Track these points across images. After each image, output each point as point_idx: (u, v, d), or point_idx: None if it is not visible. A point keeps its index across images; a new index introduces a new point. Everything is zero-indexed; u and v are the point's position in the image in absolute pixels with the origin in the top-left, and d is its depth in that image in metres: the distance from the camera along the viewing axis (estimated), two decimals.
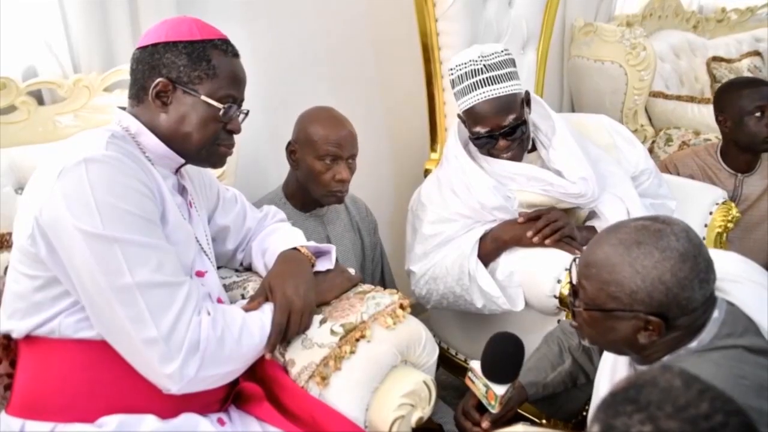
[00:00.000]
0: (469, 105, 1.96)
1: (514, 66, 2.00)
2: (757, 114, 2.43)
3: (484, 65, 1.94)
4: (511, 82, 1.95)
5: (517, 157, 2.03)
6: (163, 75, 1.35)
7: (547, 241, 1.92)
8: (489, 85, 1.93)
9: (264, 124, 2.30)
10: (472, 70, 1.94)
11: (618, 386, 0.86)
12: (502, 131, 1.96)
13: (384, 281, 2.39)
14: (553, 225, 1.94)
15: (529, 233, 1.93)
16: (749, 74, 3.87)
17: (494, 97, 1.93)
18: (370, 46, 2.74)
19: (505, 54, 1.99)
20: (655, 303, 1.19)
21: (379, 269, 2.38)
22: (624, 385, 0.85)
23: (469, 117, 1.99)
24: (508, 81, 1.95)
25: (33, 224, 1.21)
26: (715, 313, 1.24)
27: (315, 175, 2.00)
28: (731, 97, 2.52)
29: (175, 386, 1.24)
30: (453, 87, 2.03)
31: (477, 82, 1.93)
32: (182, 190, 1.50)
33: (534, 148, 2.12)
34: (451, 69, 2.02)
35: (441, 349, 2.39)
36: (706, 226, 2.31)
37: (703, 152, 2.67)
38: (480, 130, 1.97)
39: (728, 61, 4.04)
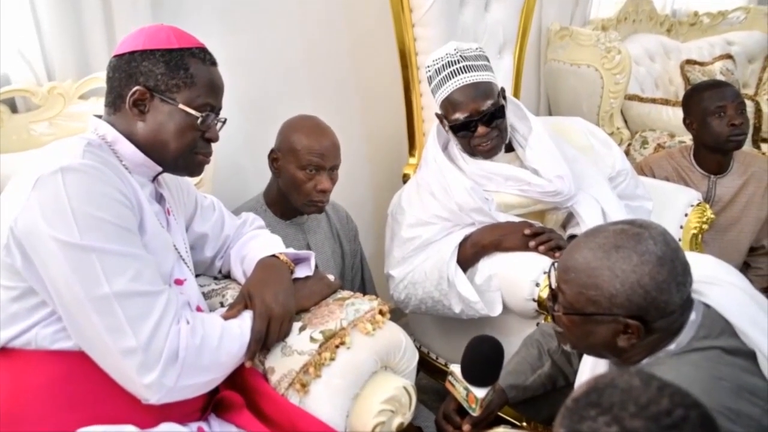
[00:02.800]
0: (447, 93, 1.99)
1: (489, 62, 2.04)
2: (718, 114, 2.49)
3: (461, 56, 1.99)
4: (487, 72, 2.00)
5: (495, 150, 2.04)
6: (140, 83, 1.34)
7: (541, 248, 1.93)
8: (466, 72, 1.97)
9: (242, 132, 2.29)
10: (448, 62, 1.99)
11: (578, 392, 0.88)
12: (480, 117, 1.97)
13: (364, 288, 2.38)
14: (552, 241, 1.94)
15: (532, 243, 1.93)
16: (722, 77, 3.92)
17: (472, 83, 1.97)
18: (348, 53, 2.74)
19: (480, 51, 2.04)
20: (634, 306, 1.20)
21: (359, 276, 2.38)
22: (584, 390, 0.87)
23: (448, 106, 2.01)
24: (484, 71, 2.00)
25: (8, 234, 1.20)
26: (692, 316, 1.25)
27: (296, 184, 1.99)
28: (694, 100, 2.59)
29: (154, 396, 1.23)
30: (430, 83, 2.05)
31: (454, 70, 1.98)
32: (160, 198, 1.49)
33: (511, 149, 2.14)
34: (428, 66, 2.05)
35: (421, 353, 2.40)
36: (681, 227, 2.34)
37: (677, 154, 2.71)
38: (459, 116, 1.99)
39: (701, 64, 4.09)
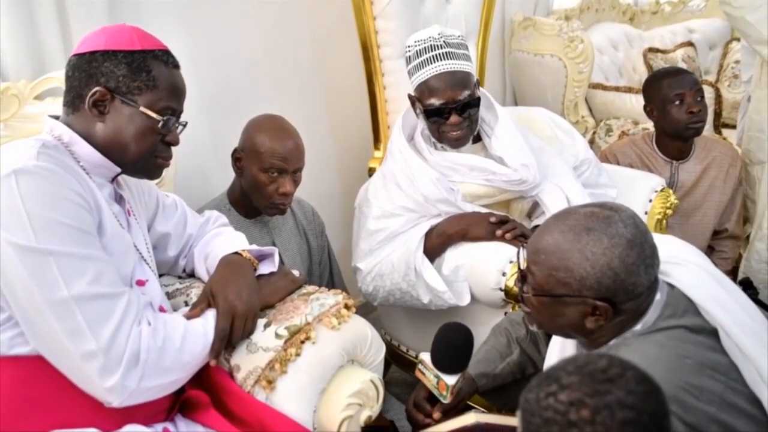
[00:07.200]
0: (425, 77, 1.98)
1: (469, 52, 2.05)
2: (677, 102, 2.52)
3: (444, 41, 1.98)
4: (467, 62, 2.01)
5: (463, 141, 2.05)
6: (101, 84, 1.33)
7: (507, 235, 1.94)
8: (447, 59, 1.96)
9: (205, 131, 2.27)
10: (431, 45, 1.98)
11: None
12: (455, 105, 1.97)
13: (333, 282, 2.38)
14: (516, 229, 1.95)
15: (499, 232, 1.94)
16: (684, 64, 3.99)
17: (451, 70, 1.96)
18: (310, 48, 2.72)
19: (462, 39, 2.04)
20: (603, 289, 1.21)
21: (327, 271, 2.37)
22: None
23: (424, 90, 2.00)
24: (464, 60, 2.00)
25: None
26: (658, 296, 1.27)
27: (258, 185, 1.97)
28: (654, 88, 2.61)
29: (117, 399, 1.22)
30: (409, 63, 2.04)
31: (436, 55, 1.97)
32: (119, 199, 1.47)
33: (478, 139, 2.14)
34: (409, 46, 2.04)
35: (392, 346, 2.41)
36: (646, 213, 2.37)
37: (640, 141, 2.74)
38: (434, 102, 1.98)
39: (663, 51, 4.16)
